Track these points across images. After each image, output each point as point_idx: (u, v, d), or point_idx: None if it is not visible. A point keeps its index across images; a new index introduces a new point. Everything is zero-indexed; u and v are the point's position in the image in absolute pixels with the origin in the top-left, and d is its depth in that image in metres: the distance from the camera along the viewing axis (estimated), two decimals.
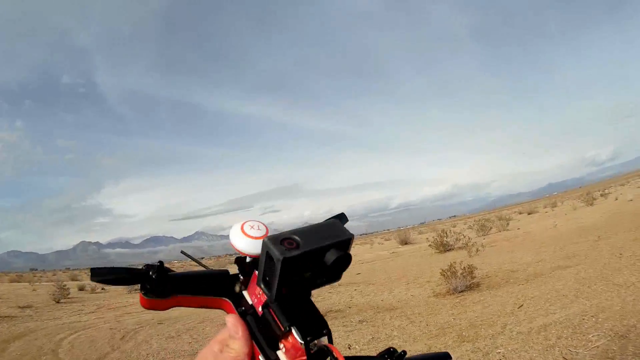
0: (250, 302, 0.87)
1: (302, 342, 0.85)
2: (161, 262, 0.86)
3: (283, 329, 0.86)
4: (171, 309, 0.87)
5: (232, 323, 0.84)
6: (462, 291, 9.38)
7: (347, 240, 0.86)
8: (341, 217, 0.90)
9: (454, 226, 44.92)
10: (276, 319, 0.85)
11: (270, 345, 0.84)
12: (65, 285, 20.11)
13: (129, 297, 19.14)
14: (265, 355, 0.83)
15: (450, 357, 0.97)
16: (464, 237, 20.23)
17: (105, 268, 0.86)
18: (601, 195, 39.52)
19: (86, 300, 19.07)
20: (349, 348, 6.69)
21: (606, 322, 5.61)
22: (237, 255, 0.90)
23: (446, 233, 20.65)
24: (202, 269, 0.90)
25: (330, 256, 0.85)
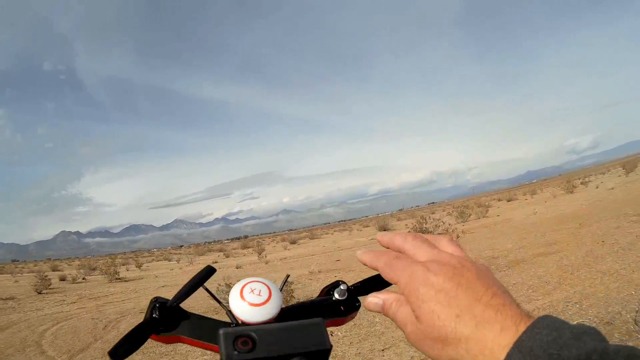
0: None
1: None
2: (164, 302, 0.80)
3: None
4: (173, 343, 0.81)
5: None
6: None
7: (322, 352, 0.75)
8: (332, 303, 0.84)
9: (433, 213, 45.30)
10: None
11: None
12: (46, 276, 20.06)
13: (110, 287, 19.20)
14: None
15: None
16: (443, 223, 20.36)
17: (120, 343, 0.81)
18: (581, 183, 40.04)
19: (68, 290, 18.97)
20: (331, 335, 6.64)
21: (590, 308, 5.64)
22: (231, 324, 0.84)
23: (425, 219, 20.77)
24: (209, 315, 0.81)
25: None
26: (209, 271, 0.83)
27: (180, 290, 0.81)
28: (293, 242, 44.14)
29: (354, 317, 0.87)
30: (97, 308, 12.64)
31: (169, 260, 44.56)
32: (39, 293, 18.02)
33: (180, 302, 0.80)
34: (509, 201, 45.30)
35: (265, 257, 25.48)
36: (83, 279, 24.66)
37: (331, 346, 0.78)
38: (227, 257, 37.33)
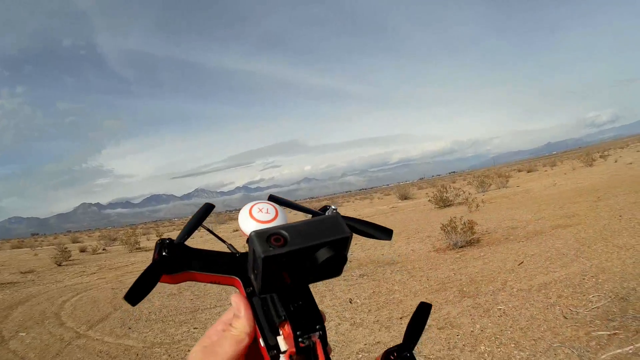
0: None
1: (295, 335, 0.83)
2: (170, 240, 0.83)
3: (280, 320, 0.83)
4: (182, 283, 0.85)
5: (236, 302, 0.83)
6: (462, 246, 9.55)
7: (343, 240, 0.82)
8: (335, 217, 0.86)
9: (454, 182, 45.12)
10: (276, 306, 0.84)
11: (271, 329, 0.84)
12: (66, 248, 20.16)
13: (130, 256, 19.44)
14: (264, 338, 0.83)
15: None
16: (464, 192, 20.35)
17: (133, 287, 0.84)
18: (600, 156, 39.54)
19: (88, 261, 19.26)
20: (350, 302, 6.86)
21: (606, 283, 5.73)
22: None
23: (446, 188, 20.78)
24: (214, 248, 0.88)
25: (321, 255, 0.81)
26: (207, 208, 0.90)
27: (184, 229, 0.85)
28: None
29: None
30: (117, 278, 12.92)
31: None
32: (59, 265, 18.13)
33: (186, 240, 0.84)
34: (529, 172, 44.97)
35: None
36: (103, 250, 24.92)
37: (351, 234, 0.83)
38: None
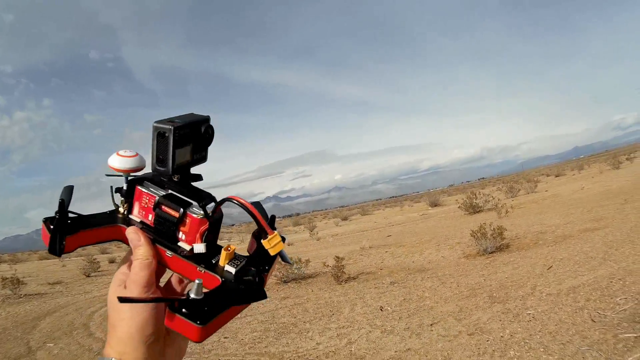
0: (138, 219, 0.94)
1: (201, 203, 0.90)
2: (62, 200, 0.88)
3: (178, 214, 0.90)
4: (76, 249, 0.89)
5: (133, 232, 0.89)
6: (492, 252, 9.66)
7: (207, 119, 0.95)
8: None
9: (483, 188, 44.81)
10: (168, 211, 0.91)
11: (171, 242, 0.90)
12: (95, 259, 20.21)
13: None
14: (170, 249, 0.89)
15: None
16: (493, 198, 20.31)
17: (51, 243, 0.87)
18: (627, 159, 38.82)
19: None
20: (381, 309, 7.03)
21: (633, 285, 5.83)
22: (117, 187, 0.95)
23: (475, 195, 20.74)
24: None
25: (206, 127, 0.94)
26: (69, 188, 0.94)
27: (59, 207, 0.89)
28: (345, 219, 44.14)
29: None
30: None
31: (220, 240, 45.36)
32: (87, 276, 18.07)
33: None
34: (557, 177, 44.37)
35: (317, 234, 25.63)
36: None
37: (208, 117, 0.96)
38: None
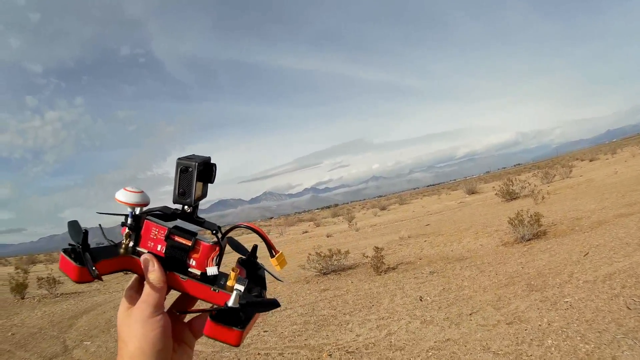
0: (146, 251, 0.98)
1: (214, 231, 0.96)
2: (86, 231, 0.94)
3: (191, 242, 0.96)
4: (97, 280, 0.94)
5: (148, 258, 0.95)
6: (529, 240, 9.77)
7: (210, 159, 1.01)
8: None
9: (519, 174, 44.23)
10: (181, 241, 0.96)
11: (182, 268, 0.97)
12: None
13: None
14: (184, 274, 0.95)
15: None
16: (529, 185, 20.18)
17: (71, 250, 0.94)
18: None
19: None
20: (420, 300, 7.25)
21: None
22: (125, 223, 0.99)
23: (512, 181, 20.65)
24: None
25: (214, 167, 1.00)
26: (77, 223, 0.99)
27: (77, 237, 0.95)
28: (383, 209, 44.53)
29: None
30: None
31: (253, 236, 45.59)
32: (125, 274, 18.30)
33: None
34: (591, 161, 43.47)
35: (356, 224, 25.86)
36: None
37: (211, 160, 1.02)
38: (318, 226, 38.31)
